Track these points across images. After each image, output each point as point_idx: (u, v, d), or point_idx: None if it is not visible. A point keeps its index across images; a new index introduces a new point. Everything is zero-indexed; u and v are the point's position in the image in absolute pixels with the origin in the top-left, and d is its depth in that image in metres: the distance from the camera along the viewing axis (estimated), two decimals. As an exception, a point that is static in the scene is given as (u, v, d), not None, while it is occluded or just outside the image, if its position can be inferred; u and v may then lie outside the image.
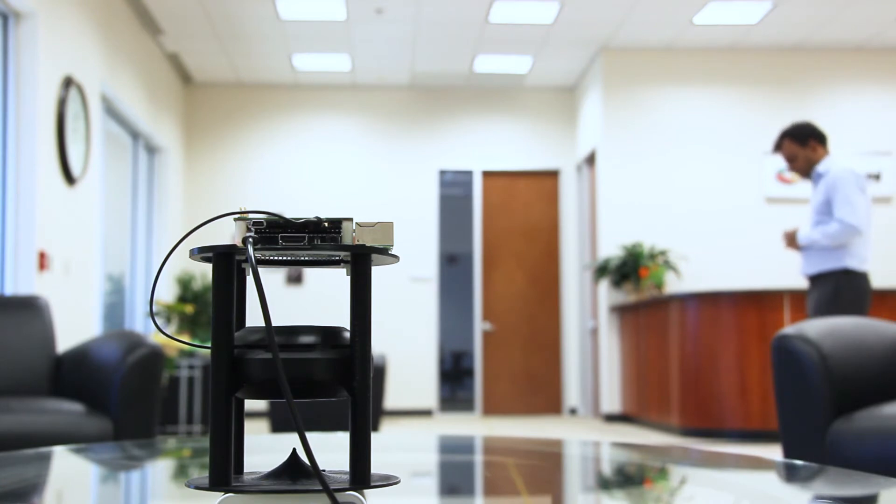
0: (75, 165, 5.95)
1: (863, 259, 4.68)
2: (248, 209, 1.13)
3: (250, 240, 0.91)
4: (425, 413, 9.27)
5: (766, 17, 7.76)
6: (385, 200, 9.37)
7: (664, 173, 8.49)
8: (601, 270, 8.31)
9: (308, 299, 9.18)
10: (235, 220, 0.94)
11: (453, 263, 11.08)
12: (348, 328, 0.96)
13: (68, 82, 5.82)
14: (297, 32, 8.02)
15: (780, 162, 8.49)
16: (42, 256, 5.42)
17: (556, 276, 9.54)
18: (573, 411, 9.34)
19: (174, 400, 6.56)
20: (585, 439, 3.11)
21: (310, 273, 9.23)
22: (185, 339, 7.23)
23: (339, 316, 8.69)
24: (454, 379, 12.04)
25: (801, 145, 4.83)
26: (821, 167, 4.79)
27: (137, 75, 7.62)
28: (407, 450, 1.91)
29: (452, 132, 9.54)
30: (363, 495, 0.95)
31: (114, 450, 1.95)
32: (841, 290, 4.57)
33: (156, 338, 5.26)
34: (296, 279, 9.24)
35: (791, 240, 4.81)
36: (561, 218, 9.56)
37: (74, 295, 6.00)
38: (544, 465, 1.65)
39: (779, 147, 4.89)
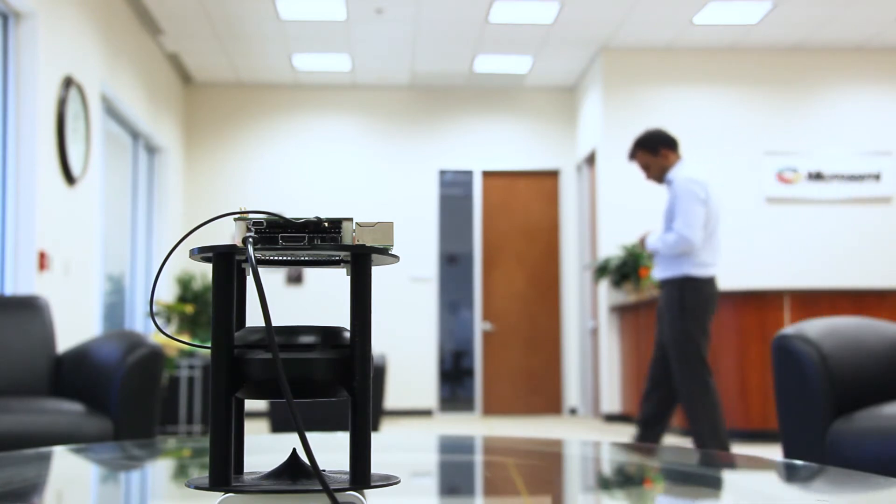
0: (75, 165, 5.95)
1: (707, 265, 4.81)
2: (248, 209, 1.13)
3: (250, 240, 0.91)
4: (425, 413, 9.27)
5: (766, 17, 7.76)
6: (385, 200, 9.37)
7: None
8: (601, 270, 8.31)
9: (308, 299, 9.18)
10: (235, 220, 0.94)
11: (453, 263, 11.07)
12: (348, 328, 0.96)
13: (68, 82, 5.82)
14: (297, 32, 8.02)
15: (780, 161, 8.49)
16: (42, 256, 5.42)
17: (556, 276, 9.54)
18: (573, 411, 9.34)
19: (174, 400, 6.56)
20: (585, 439, 3.11)
21: (310, 273, 9.23)
22: (185, 339, 7.23)
23: (339, 316, 8.68)
24: (454, 379, 12.04)
25: (653, 154, 4.92)
26: (671, 174, 4.89)
27: (137, 75, 7.62)
28: (407, 450, 1.91)
29: (452, 132, 9.54)
30: (363, 495, 0.95)
31: (114, 450, 1.95)
32: (684, 296, 4.73)
33: (156, 338, 5.26)
34: (296, 279, 9.24)
35: (641, 244, 5.00)
36: (561, 218, 9.56)
37: (74, 295, 6.00)
38: (544, 465, 1.65)
39: (633, 157, 4.99)
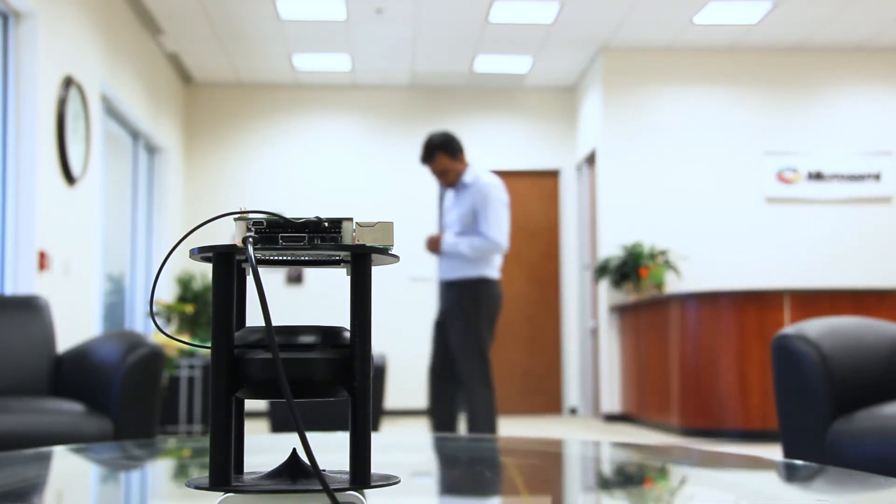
0: (75, 165, 5.95)
1: (497, 268, 4.95)
2: (248, 209, 1.13)
3: (250, 240, 0.91)
4: (425, 413, 9.27)
5: (766, 17, 7.76)
6: (385, 200, 9.37)
7: (664, 173, 8.49)
8: (601, 270, 8.31)
9: (308, 299, 9.18)
10: (235, 220, 0.94)
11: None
12: (348, 328, 0.96)
13: (68, 82, 5.82)
14: (297, 32, 8.02)
15: (780, 161, 8.49)
16: (42, 256, 5.42)
17: (556, 276, 9.54)
18: (573, 411, 9.34)
19: (174, 400, 6.56)
20: (585, 439, 3.11)
21: (310, 273, 9.23)
22: (185, 339, 7.23)
23: (339, 316, 8.69)
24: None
25: (452, 158, 4.92)
26: (467, 178, 4.91)
27: (137, 75, 7.62)
28: (407, 450, 1.91)
29: (452, 132, 9.52)
30: (363, 495, 0.95)
31: (114, 450, 1.95)
32: (481, 297, 4.82)
33: (156, 338, 5.25)
34: (296, 279, 9.24)
35: (435, 245, 4.92)
36: (561, 218, 9.56)
37: (74, 295, 6.00)
38: (544, 465, 1.65)
39: (430, 160, 4.91)
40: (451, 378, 4.91)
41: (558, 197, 9.59)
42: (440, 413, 4.89)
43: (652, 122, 8.53)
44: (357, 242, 0.95)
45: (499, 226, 4.80)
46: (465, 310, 4.82)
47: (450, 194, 5.01)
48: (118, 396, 3.26)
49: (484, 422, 4.76)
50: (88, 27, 6.34)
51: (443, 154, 4.87)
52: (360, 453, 0.94)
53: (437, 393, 4.92)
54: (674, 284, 8.27)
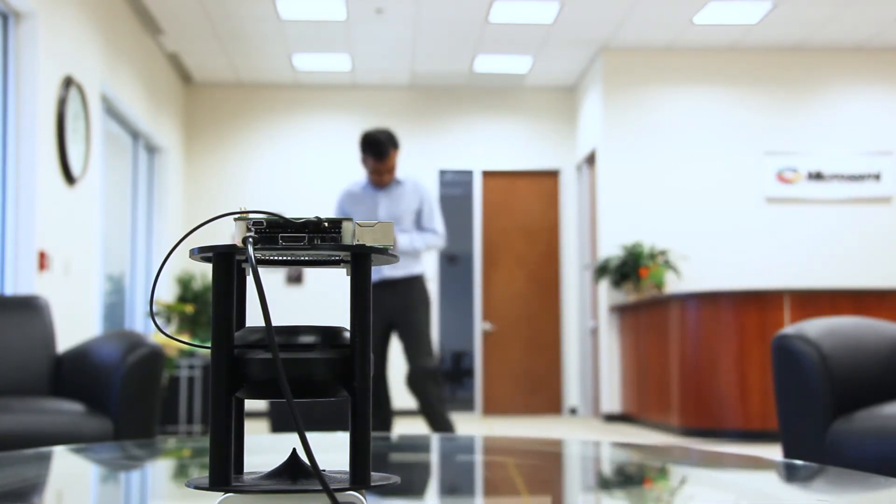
0: (75, 165, 5.95)
1: None
2: (248, 209, 1.13)
3: (250, 240, 0.91)
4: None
5: (766, 17, 7.76)
6: (385, 200, 9.36)
7: (664, 173, 8.49)
8: (601, 270, 8.31)
9: (308, 299, 9.18)
10: (235, 220, 0.94)
11: (453, 263, 11.07)
12: (348, 328, 0.96)
13: (68, 82, 5.82)
14: (297, 32, 8.02)
15: (780, 161, 8.49)
16: (42, 256, 5.42)
17: (556, 276, 9.54)
18: (573, 411, 9.34)
19: (174, 400, 6.55)
20: (585, 439, 3.11)
21: (310, 273, 9.23)
22: (185, 339, 7.23)
23: (339, 316, 8.68)
24: (454, 379, 12.04)
25: (397, 154, 4.88)
26: (399, 175, 4.93)
27: (137, 75, 7.62)
28: (407, 450, 1.91)
29: (452, 132, 9.54)
30: (363, 495, 0.95)
31: (114, 450, 1.96)
32: (427, 291, 4.98)
33: (156, 338, 5.25)
34: (296, 279, 9.24)
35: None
36: (561, 218, 9.55)
37: (74, 295, 6.00)
38: (544, 465, 1.65)
39: (385, 156, 4.77)
40: (385, 388, 4.98)
41: (558, 197, 9.59)
42: (384, 421, 4.96)
43: (652, 122, 8.53)
44: (357, 242, 0.95)
45: (441, 223, 4.96)
46: (419, 305, 4.91)
47: (369, 192, 4.93)
48: (118, 396, 3.26)
49: (447, 411, 4.85)
50: (88, 27, 6.34)
51: (394, 151, 4.82)
52: (360, 453, 0.94)
53: (383, 413, 4.95)
54: (674, 284, 8.27)
